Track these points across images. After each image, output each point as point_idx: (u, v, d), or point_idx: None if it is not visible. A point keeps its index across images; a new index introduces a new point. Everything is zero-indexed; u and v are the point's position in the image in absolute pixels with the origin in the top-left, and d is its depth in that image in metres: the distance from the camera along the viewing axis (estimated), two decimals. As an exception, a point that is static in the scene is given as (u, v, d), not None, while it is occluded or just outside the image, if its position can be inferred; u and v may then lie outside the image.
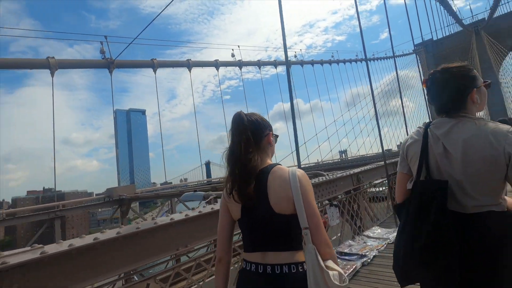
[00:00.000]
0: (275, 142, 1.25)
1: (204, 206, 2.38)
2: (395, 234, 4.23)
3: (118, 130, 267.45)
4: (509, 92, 31.69)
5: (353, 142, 26.13)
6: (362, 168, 4.79)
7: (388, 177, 4.93)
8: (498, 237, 1.00)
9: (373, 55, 33.75)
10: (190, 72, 15.96)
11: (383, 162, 4.84)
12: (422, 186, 1.11)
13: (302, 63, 24.57)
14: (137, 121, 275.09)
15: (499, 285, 0.98)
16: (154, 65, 13.99)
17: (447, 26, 35.67)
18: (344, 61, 30.85)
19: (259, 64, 20.65)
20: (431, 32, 35.50)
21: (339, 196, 4.54)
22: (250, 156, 1.08)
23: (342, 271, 0.98)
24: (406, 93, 34.37)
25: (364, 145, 26.26)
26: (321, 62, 26.97)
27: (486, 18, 33.23)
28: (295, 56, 24.97)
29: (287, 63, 3.87)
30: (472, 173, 1.03)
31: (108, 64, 12.31)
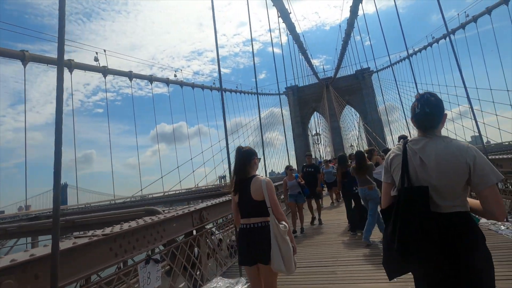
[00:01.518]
0: (259, 162, 2.39)
1: None
2: (239, 286, 3.56)
3: None
4: (345, 134, 40.96)
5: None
6: (208, 203, 3.97)
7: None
8: (465, 230, 1.29)
9: (251, 89, 36.62)
10: (24, 66, 12.06)
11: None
12: (406, 192, 1.34)
13: (181, 83, 23.61)
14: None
15: (472, 267, 1.23)
16: (-45, 46, 9.66)
17: (307, 76, 43.30)
18: (225, 90, 32.06)
19: (130, 75, 18.21)
20: (298, 79, 41.95)
21: (179, 239, 3.52)
22: (244, 171, 2.26)
23: (286, 225, 2.10)
24: (278, 127, 38.47)
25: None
26: (202, 87, 26.83)
27: (332, 76, 42.44)
28: (175, 76, 23.86)
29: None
30: (444, 179, 1.31)
31: None
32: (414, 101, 1.48)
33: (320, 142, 38.68)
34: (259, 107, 7.71)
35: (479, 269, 1.24)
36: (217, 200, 4.27)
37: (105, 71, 16.50)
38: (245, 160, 2.26)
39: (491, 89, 20.10)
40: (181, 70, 28.09)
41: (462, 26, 20.74)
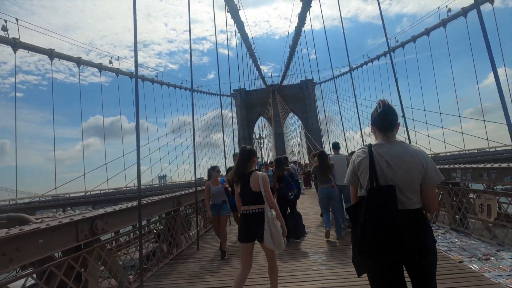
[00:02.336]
0: (257, 160, 2.93)
1: None
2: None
3: None
4: (288, 140, 42.49)
5: (175, 168, 25.73)
6: (107, 209, 3.09)
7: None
8: (424, 223, 1.51)
9: (197, 87, 35.24)
10: None
11: (136, 202, 3.33)
12: (375, 191, 1.47)
13: (117, 71, 21.22)
14: None
15: (429, 250, 1.47)
16: None
17: (255, 79, 43.61)
18: (168, 85, 30.29)
19: (51, 54, 15.46)
20: (245, 82, 41.79)
21: (57, 254, 2.57)
22: (244, 166, 2.74)
23: (274, 212, 2.57)
24: (225, 129, 37.88)
25: (182, 172, 26.34)
26: (143, 79, 24.62)
27: (279, 84, 43.56)
28: (110, 62, 21.38)
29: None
30: (407, 179, 1.49)
31: None
32: (375, 108, 1.62)
33: (263, 146, 39.13)
34: (193, 106, 6.88)
35: (434, 251, 1.50)
36: (123, 206, 3.38)
37: (15, 44, 13.65)
38: (247, 158, 2.74)
39: (412, 108, 23.31)
40: (118, 57, 25.25)
41: (393, 50, 23.40)
